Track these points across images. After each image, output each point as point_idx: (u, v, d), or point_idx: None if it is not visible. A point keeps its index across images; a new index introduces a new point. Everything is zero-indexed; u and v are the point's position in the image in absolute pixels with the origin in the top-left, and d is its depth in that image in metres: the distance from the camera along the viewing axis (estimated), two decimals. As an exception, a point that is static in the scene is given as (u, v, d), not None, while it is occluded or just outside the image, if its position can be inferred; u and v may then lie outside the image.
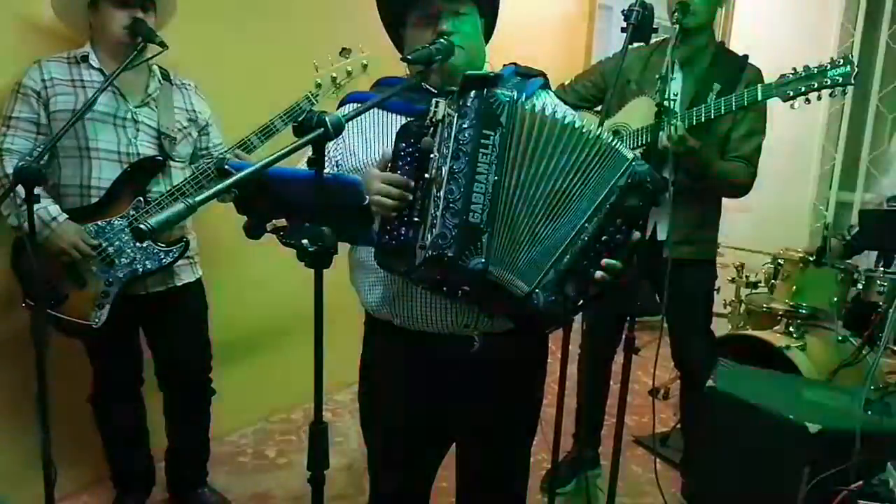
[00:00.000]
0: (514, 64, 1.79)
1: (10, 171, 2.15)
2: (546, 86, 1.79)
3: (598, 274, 1.46)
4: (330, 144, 1.62)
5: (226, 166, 1.39)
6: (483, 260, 1.43)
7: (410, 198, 1.46)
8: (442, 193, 1.43)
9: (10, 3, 2.38)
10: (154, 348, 2.57)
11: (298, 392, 3.51)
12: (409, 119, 1.55)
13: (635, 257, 1.61)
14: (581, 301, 1.49)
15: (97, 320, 2.24)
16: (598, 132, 1.50)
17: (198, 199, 1.06)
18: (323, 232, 1.22)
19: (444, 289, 1.51)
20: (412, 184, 1.46)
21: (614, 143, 1.51)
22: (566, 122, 1.49)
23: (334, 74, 2.39)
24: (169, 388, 2.62)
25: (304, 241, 1.23)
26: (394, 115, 1.67)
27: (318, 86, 2.39)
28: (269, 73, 2.99)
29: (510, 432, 1.85)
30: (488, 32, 1.78)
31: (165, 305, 2.45)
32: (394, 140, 1.50)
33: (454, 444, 1.90)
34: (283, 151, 1.19)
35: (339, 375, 2.95)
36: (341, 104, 1.77)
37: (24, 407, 2.42)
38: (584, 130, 1.49)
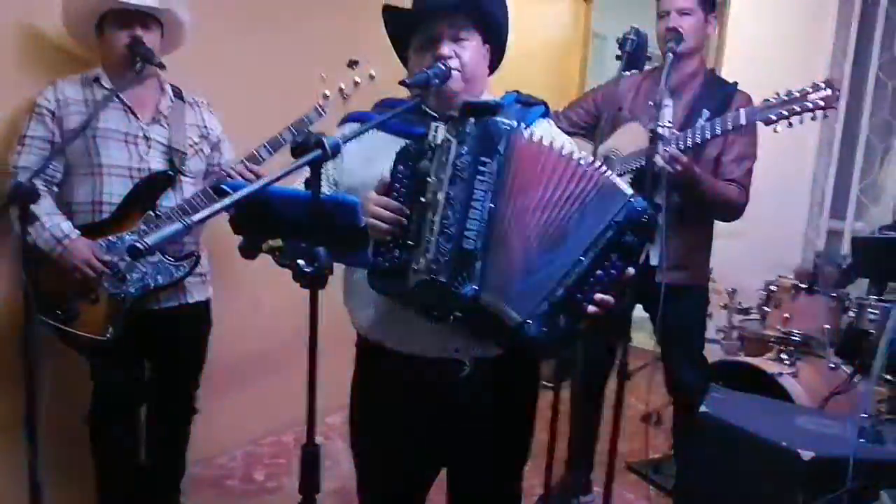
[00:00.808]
0: (516, 92, 1.80)
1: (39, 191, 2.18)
2: (546, 114, 1.79)
3: (591, 308, 1.45)
4: (328, 163, 1.63)
5: (222, 186, 1.40)
6: (475, 286, 1.43)
7: (405, 222, 1.46)
8: (437, 218, 1.43)
9: (31, 26, 2.43)
10: (153, 364, 2.54)
11: (290, 414, 3.48)
12: (407, 141, 1.56)
13: (628, 290, 1.61)
14: (573, 333, 1.49)
15: (108, 335, 2.25)
16: (598, 165, 1.50)
17: (195, 218, 1.06)
18: (318, 253, 1.22)
19: (436, 313, 1.51)
20: (407, 209, 1.46)
21: (613, 177, 1.50)
22: (564, 152, 1.49)
23: (342, 86, 2.40)
24: (157, 403, 2.59)
25: (300, 262, 1.23)
26: (393, 137, 1.67)
27: (326, 97, 2.40)
28: (277, 86, 3.00)
29: (502, 458, 1.84)
30: (495, 61, 1.78)
31: (175, 322, 2.45)
32: (392, 162, 1.51)
33: (445, 469, 1.88)
34: (280, 172, 1.19)
35: (331, 398, 2.92)
36: (342, 123, 1.78)
37: (12, 425, 2.39)
38: (582, 162, 1.49)
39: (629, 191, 1.49)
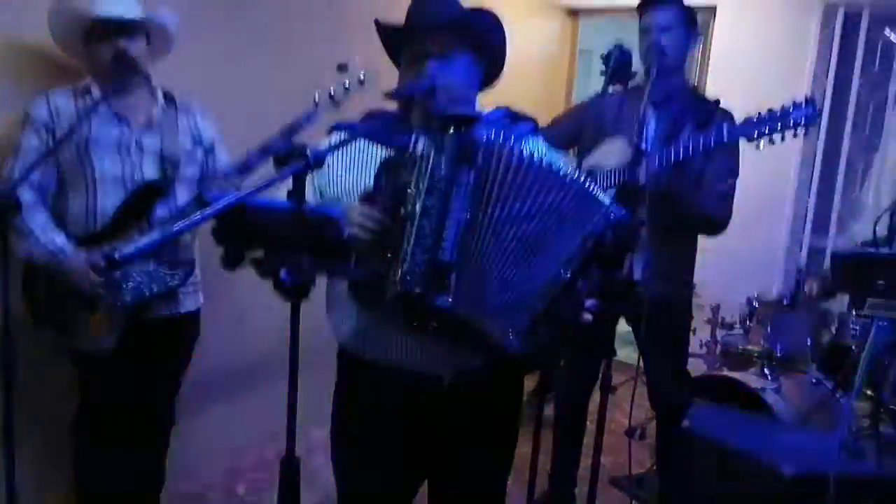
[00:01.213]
0: (506, 107, 1.80)
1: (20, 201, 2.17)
2: (535, 130, 1.80)
3: (587, 317, 1.46)
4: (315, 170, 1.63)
5: (205, 197, 1.39)
6: (450, 298, 1.42)
7: (385, 233, 1.46)
8: (414, 229, 1.43)
9: (21, 38, 2.42)
10: (140, 371, 2.50)
11: (272, 427, 3.45)
12: (391, 152, 1.56)
13: (611, 301, 1.61)
14: (555, 346, 1.49)
15: (108, 344, 2.25)
16: (576, 175, 1.50)
17: (174, 229, 1.06)
18: (301, 264, 1.22)
19: (414, 325, 1.51)
20: (388, 220, 1.46)
21: (591, 187, 1.50)
22: (543, 164, 1.49)
23: (331, 91, 2.39)
24: (137, 414, 2.56)
25: (282, 273, 1.23)
26: (378, 147, 1.67)
27: (316, 102, 2.39)
28: (266, 92, 3.00)
29: (483, 471, 1.83)
30: (490, 77, 1.79)
31: (167, 332, 2.44)
32: (374, 171, 1.51)
33: (427, 481, 1.88)
34: (263, 182, 1.19)
35: (313, 411, 2.91)
36: (329, 132, 1.78)
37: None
38: (560, 174, 1.49)
39: (607, 200, 1.50)
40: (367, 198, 1.50)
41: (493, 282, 1.45)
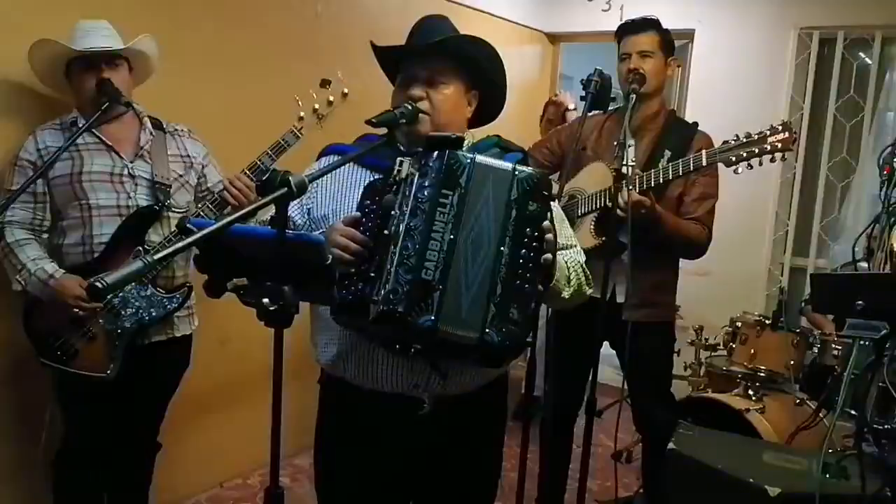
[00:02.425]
0: (497, 136, 1.82)
1: (10, 240, 2.24)
2: (525, 161, 1.81)
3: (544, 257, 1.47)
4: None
5: (187, 224, 1.39)
6: (432, 317, 1.43)
7: (367, 254, 1.47)
8: (398, 249, 1.44)
9: (9, 73, 2.43)
10: (128, 399, 2.47)
11: (256, 456, 3.42)
12: (375, 173, 1.59)
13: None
14: (530, 317, 1.50)
15: (110, 371, 2.25)
16: (486, 161, 1.51)
17: (157, 256, 1.06)
18: (283, 291, 1.22)
19: (398, 346, 1.51)
20: (372, 242, 1.47)
21: (492, 161, 1.52)
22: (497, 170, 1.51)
23: (316, 106, 2.40)
24: (122, 439, 2.53)
25: (265, 300, 1.22)
26: (365, 171, 1.70)
27: (301, 119, 2.40)
28: (251, 110, 3.01)
29: (468, 496, 1.83)
30: (489, 109, 1.81)
31: (162, 356, 2.44)
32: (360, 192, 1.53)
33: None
34: (245, 210, 1.19)
35: (298, 438, 2.89)
36: (321, 155, 1.79)
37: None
38: (484, 165, 1.50)
39: (509, 165, 1.52)
40: (352, 220, 1.51)
41: (463, 292, 1.46)
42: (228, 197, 2.32)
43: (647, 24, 2.76)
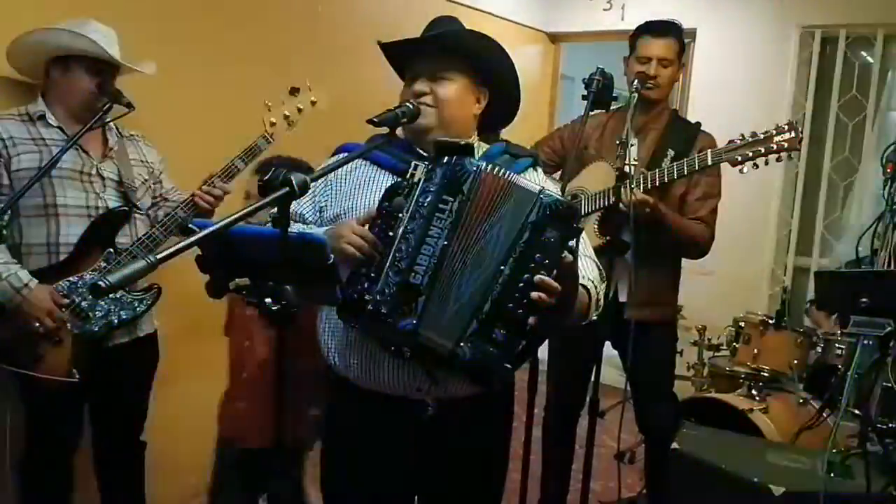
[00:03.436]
0: (506, 142, 1.82)
1: None
2: (535, 165, 1.80)
3: (534, 294, 1.41)
4: (319, 186, 1.66)
5: (189, 224, 1.39)
6: (414, 321, 1.44)
7: (374, 254, 1.47)
8: (392, 252, 1.46)
9: None
10: (98, 401, 2.45)
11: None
12: (394, 176, 1.60)
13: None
14: (520, 343, 1.46)
15: (76, 377, 2.19)
16: (506, 175, 1.50)
17: (160, 256, 1.05)
18: (285, 291, 1.22)
19: (394, 348, 1.52)
20: (380, 243, 1.47)
21: (521, 181, 1.50)
22: (513, 181, 1.50)
23: (286, 113, 2.42)
24: (105, 441, 2.52)
25: (267, 300, 1.22)
26: (381, 171, 1.70)
27: (273, 124, 2.42)
28: (219, 115, 2.98)
29: (473, 499, 1.82)
30: (501, 110, 1.80)
31: (126, 357, 2.40)
32: (376, 196, 1.55)
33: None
34: (247, 210, 1.19)
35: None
36: (334, 153, 1.79)
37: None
38: (509, 180, 1.49)
39: (536, 188, 1.48)
40: (367, 218, 1.52)
41: (451, 300, 1.46)
42: (202, 203, 2.31)
43: (670, 30, 2.73)
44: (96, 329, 2.24)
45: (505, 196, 1.48)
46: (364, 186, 1.69)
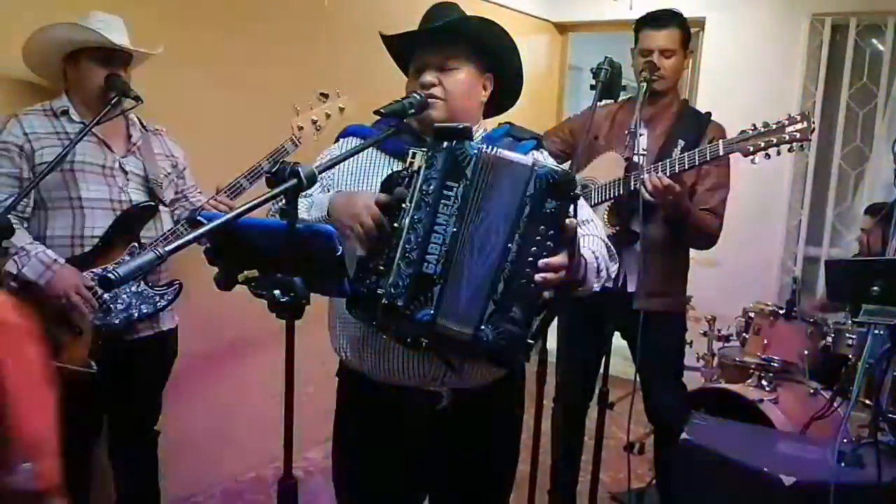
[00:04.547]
0: (509, 124, 1.81)
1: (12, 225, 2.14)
2: (539, 147, 1.79)
3: (538, 277, 1.40)
4: (324, 175, 1.64)
5: (198, 217, 1.38)
6: (431, 311, 1.43)
7: (381, 238, 1.47)
8: (401, 243, 1.45)
9: None
10: (115, 392, 2.46)
11: (269, 449, 3.44)
12: (399, 162, 1.59)
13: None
14: (537, 318, 1.46)
15: (94, 367, 2.22)
16: (494, 151, 1.48)
17: (168, 248, 1.05)
18: (294, 283, 1.22)
19: (409, 340, 1.51)
20: (388, 227, 1.47)
21: (510, 155, 1.49)
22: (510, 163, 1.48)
23: (314, 118, 2.42)
24: (121, 434, 2.54)
25: (276, 292, 1.22)
26: (385, 157, 1.69)
27: (301, 128, 2.42)
28: (246, 116, 3.01)
29: (485, 489, 1.83)
30: (505, 95, 1.79)
31: (146, 350, 2.42)
32: (380, 179, 1.54)
33: (428, 497, 1.87)
34: (255, 202, 1.19)
35: (311, 432, 2.89)
36: (340, 136, 1.79)
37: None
38: (498, 158, 1.48)
39: (529, 160, 1.47)
40: (388, 201, 1.50)
41: (464, 287, 1.45)
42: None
43: (671, 19, 2.70)
44: (116, 322, 2.27)
45: (500, 174, 1.46)
46: (367, 171, 1.69)
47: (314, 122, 2.43)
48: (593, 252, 1.62)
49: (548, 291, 1.43)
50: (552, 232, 1.43)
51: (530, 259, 1.43)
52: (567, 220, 1.42)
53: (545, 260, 1.41)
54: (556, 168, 1.46)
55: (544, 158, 1.76)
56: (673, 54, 2.68)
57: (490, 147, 1.49)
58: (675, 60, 2.69)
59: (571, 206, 1.44)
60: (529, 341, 1.46)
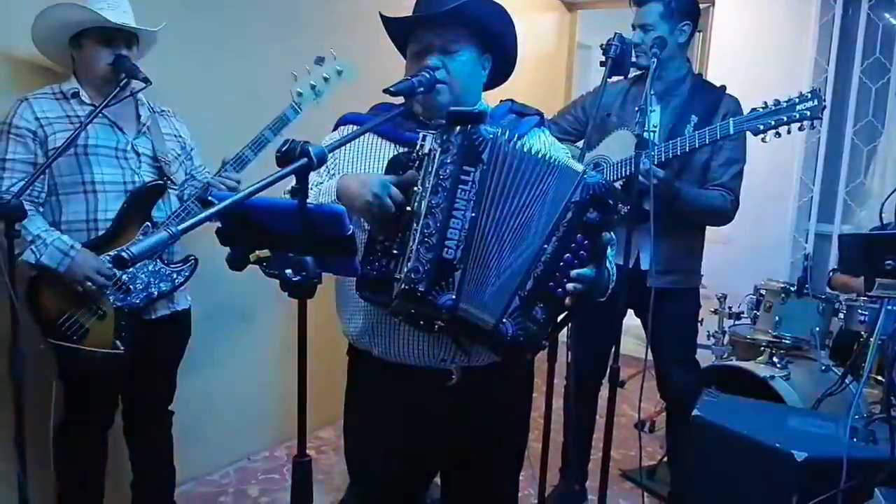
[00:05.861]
0: (511, 101, 1.80)
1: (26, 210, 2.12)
2: (541, 124, 1.79)
3: (570, 286, 1.45)
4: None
5: (209, 197, 1.38)
6: (453, 296, 1.44)
7: (393, 220, 1.46)
8: (419, 227, 1.44)
9: None
10: (131, 373, 2.46)
11: (283, 428, 3.47)
12: (397, 147, 1.58)
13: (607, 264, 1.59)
14: (556, 321, 1.49)
15: (122, 349, 2.24)
16: (550, 154, 1.51)
17: (180, 227, 1.06)
18: (306, 262, 1.22)
19: (422, 323, 1.52)
20: (397, 212, 1.46)
21: (566, 160, 1.51)
22: (540, 156, 1.50)
23: (313, 83, 2.41)
24: (137, 414, 2.56)
25: (287, 272, 1.22)
26: (385, 142, 1.68)
27: (300, 94, 2.41)
28: (246, 87, 2.99)
29: (495, 465, 1.83)
30: (500, 72, 1.78)
31: (166, 330, 2.44)
32: (381, 167, 1.53)
33: (440, 474, 1.88)
34: (265, 181, 1.19)
35: (323, 411, 2.91)
36: (338, 125, 1.78)
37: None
38: (549, 159, 1.50)
39: (580, 167, 1.50)
40: (410, 182, 1.50)
41: (491, 275, 1.46)
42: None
43: None
44: (137, 301, 2.28)
45: (545, 173, 1.48)
46: (368, 157, 1.68)
47: (313, 88, 2.42)
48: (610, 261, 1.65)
49: (571, 298, 1.46)
50: (588, 242, 1.46)
51: (562, 264, 1.46)
52: (604, 234, 1.46)
53: (577, 270, 1.45)
54: (604, 181, 1.49)
55: (547, 136, 1.77)
56: (652, 29, 2.64)
57: (538, 148, 1.51)
58: (660, 32, 2.63)
59: (611, 221, 1.48)
60: (544, 342, 1.49)
